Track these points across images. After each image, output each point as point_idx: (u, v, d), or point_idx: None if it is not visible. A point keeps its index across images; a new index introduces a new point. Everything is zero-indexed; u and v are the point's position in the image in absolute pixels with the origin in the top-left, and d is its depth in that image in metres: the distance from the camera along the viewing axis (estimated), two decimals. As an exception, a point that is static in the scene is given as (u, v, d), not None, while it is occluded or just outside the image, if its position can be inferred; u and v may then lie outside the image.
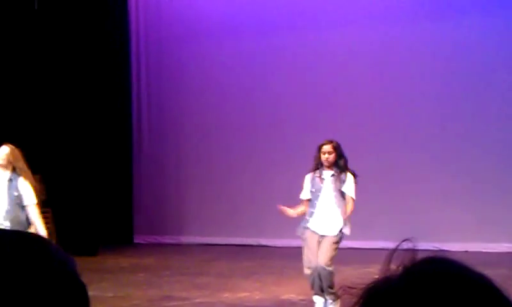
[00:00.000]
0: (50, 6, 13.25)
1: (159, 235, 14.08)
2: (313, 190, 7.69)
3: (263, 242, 13.19)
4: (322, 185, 7.66)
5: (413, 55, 12.78)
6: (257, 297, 8.85)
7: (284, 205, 8.05)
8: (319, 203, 7.66)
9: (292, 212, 7.92)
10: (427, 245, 10.86)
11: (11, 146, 7.56)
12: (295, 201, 13.33)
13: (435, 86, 12.66)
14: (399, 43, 12.84)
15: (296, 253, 11.95)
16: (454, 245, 11.56)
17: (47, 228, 11.94)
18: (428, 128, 12.69)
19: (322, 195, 7.65)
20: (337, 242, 7.52)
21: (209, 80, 14.00)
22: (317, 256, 7.44)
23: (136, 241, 14.32)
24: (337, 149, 7.62)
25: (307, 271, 7.57)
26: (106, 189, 13.82)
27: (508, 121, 12.30)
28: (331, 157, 7.57)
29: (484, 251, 11.60)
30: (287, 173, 13.23)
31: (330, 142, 7.67)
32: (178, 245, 13.66)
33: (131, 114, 14.58)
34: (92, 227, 13.10)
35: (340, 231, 7.52)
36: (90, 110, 13.52)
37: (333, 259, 7.46)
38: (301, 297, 8.59)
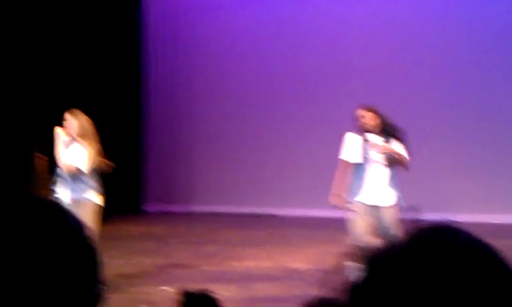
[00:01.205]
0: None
1: (168, 203, 14.15)
2: (366, 156, 7.08)
3: (272, 211, 13.22)
4: (368, 150, 7.08)
5: (418, 40, 12.71)
6: (265, 266, 8.89)
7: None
8: (366, 172, 7.09)
9: (342, 200, 7.17)
10: (436, 215, 10.88)
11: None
12: (305, 173, 13.38)
13: (443, 54, 12.60)
14: (404, 29, 12.78)
15: (305, 223, 12.02)
16: (463, 216, 11.54)
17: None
18: (436, 98, 12.64)
19: (370, 162, 7.10)
20: (397, 213, 6.99)
21: (221, 57, 14.00)
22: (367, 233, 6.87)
23: (145, 209, 14.40)
24: (372, 110, 7.12)
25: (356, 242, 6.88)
26: (115, 157, 13.83)
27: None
28: (369, 119, 7.03)
29: (493, 221, 11.60)
30: (297, 144, 13.27)
31: (363, 107, 7.17)
32: (187, 214, 13.72)
33: (142, 82, 14.59)
34: (103, 195, 13.15)
35: (397, 199, 7.09)
36: (101, 78, 13.58)
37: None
38: (309, 266, 8.63)
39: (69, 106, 12.94)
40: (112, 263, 8.68)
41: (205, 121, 14.14)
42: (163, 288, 7.63)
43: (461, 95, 12.55)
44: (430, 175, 12.28)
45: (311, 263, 8.78)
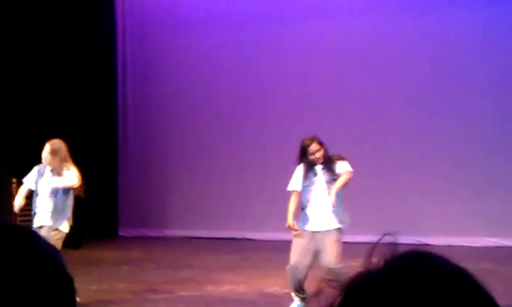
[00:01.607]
0: (37, 2, 13.28)
1: (144, 228, 14.07)
2: (306, 184, 7.34)
3: (247, 235, 13.20)
4: (314, 179, 7.29)
5: (404, 48, 12.80)
6: (242, 290, 8.86)
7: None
8: (312, 198, 7.32)
9: (291, 220, 7.41)
10: (410, 239, 10.93)
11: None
12: (279, 196, 13.35)
13: (420, 80, 12.70)
14: (393, 35, 12.85)
15: (280, 246, 11.97)
16: (436, 240, 11.63)
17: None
18: (410, 123, 12.72)
19: (315, 189, 7.30)
20: (339, 238, 7.24)
21: (195, 76, 13.99)
22: (300, 256, 7.22)
23: (120, 234, 14.30)
24: (321, 143, 7.33)
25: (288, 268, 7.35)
26: (91, 182, 13.77)
27: (490, 114, 12.33)
28: (321, 153, 7.24)
29: (466, 245, 11.67)
30: (271, 168, 13.27)
31: (313, 139, 7.32)
32: (163, 238, 13.65)
33: (116, 109, 14.55)
34: (76, 220, 13.04)
35: (340, 223, 7.24)
36: (76, 105, 13.52)
37: (340, 256, 7.15)
38: (285, 290, 8.60)
39: (43, 131, 12.90)
40: (87, 289, 8.59)
41: (180, 147, 14.11)
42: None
43: (433, 121, 12.61)
44: (404, 199, 12.33)
45: (287, 286, 8.75)
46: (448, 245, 11.37)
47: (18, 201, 8.02)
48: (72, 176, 7.88)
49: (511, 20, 12.36)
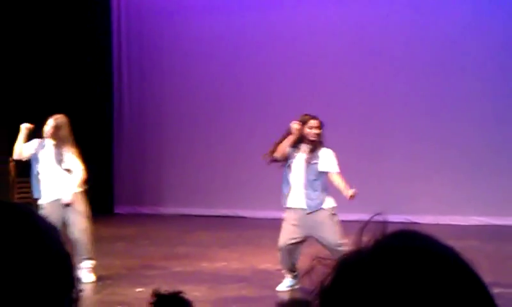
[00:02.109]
0: (38, 2, 13.35)
1: (139, 206, 14.07)
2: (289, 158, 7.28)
3: (240, 213, 13.23)
4: (295, 154, 7.27)
5: (398, 37, 12.79)
6: (234, 267, 8.89)
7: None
8: (292, 175, 7.29)
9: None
10: (400, 217, 10.96)
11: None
12: (270, 176, 13.36)
13: (409, 62, 12.71)
14: (387, 24, 12.79)
15: (272, 224, 12.01)
16: (425, 218, 11.68)
17: (29, 199, 12.05)
18: (400, 103, 12.73)
19: (294, 165, 7.28)
20: (334, 214, 7.18)
21: (190, 58, 13.95)
22: (288, 235, 7.19)
23: (116, 211, 14.31)
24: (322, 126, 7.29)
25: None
26: (87, 160, 13.76)
27: (476, 95, 12.33)
28: (318, 131, 7.19)
29: (454, 223, 11.73)
30: (263, 148, 13.26)
31: (317, 118, 7.25)
32: (158, 216, 13.66)
33: (112, 88, 14.51)
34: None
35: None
36: (74, 86, 13.52)
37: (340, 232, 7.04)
38: (277, 267, 8.64)
39: (40, 109, 12.91)
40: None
41: (175, 125, 14.09)
42: (138, 289, 7.60)
43: (421, 103, 12.63)
44: (394, 179, 12.37)
45: (278, 263, 8.79)
46: (437, 224, 11.44)
47: (19, 146, 7.97)
48: (77, 172, 7.97)
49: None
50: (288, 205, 7.36)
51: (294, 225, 7.23)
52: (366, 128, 12.73)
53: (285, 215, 7.41)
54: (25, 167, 12.98)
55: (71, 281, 1.03)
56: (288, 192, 7.35)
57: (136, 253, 9.79)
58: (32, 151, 8.01)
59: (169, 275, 8.32)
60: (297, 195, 7.28)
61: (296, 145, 7.26)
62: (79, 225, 7.97)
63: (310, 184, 7.21)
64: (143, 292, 7.22)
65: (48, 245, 1.02)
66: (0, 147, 12.26)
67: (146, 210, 13.92)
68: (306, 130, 7.21)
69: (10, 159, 12.54)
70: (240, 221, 12.79)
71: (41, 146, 8.02)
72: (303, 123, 7.23)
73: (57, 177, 7.92)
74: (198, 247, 10.30)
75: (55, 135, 7.89)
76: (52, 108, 13.15)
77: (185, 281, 7.60)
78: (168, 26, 14.09)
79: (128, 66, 14.54)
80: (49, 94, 13.30)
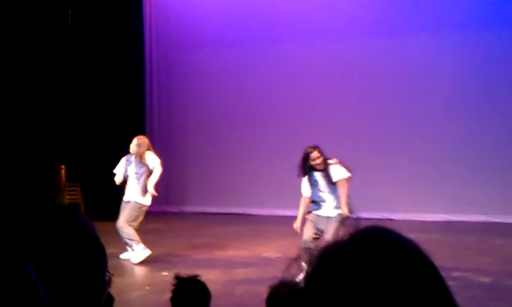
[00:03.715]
0: (80, 21, 13.22)
1: (166, 205, 14.07)
2: (311, 188, 7.24)
3: (249, 211, 13.21)
4: (315, 183, 7.21)
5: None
6: (244, 255, 8.88)
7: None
8: (317, 197, 7.22)
9: (298, 224, 7.25)
10: (376, 214, 10.93)
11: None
12: (274, 181, 13.31)
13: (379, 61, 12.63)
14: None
15: (275, 220, 12.02)
16: (398, 215, 11.63)
17: (77, 200, 12.16)
18: (373, 106, 12.44)
19: (318, 190, 7.21)
20: (340, 221, 6.99)
21: (212, 75, 13.87)
22: (308, 233, 7.04)
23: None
24: (321, 152, 7.17)
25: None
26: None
27: (443, 99, 12.08)
28: (321, 160, 7.11)
29: (422, 219, 11.67)
30: (269, 158, 13.29)
31: (314, 148, 7.17)
32: (181, 213, 13.66)
33: (144, 102, 14.47)
34: (111, 198, 13.05)
35: (339, 214, 7.06)
36: (110, 106, 13.51)
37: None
38: (277, 255, 8.64)
39: (86, 127, 12.90)
40: (120, 253, 8.62)
41: (195, 139, 14.11)
42: (164, 273, 7.59)
43: (396, 106, 12.43)
44: (371, 180, 12.28)
45: (280, 252, 8.79)
46: (408, 220, 11.38)
47: (119, 177, 8.76)
48: (157, 167, 8.63)
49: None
50: (313, 211, 7.27)
51: (313, 225, 7.14)
52: (344, 132, 12.49)
53: (309, 217, 7.27)
54: (74, 173, 13.05)
55: (103, 266, 1.04)
56: (313, 206, 7.26)
57: (162, 244, 9.78)
58: (123, 170, 8.73)
59: (190, 262, 8.31)
60: (319, 208, 7.26)
61: (311, 175, 7.21)
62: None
63: (330, 198, 7.19)
64: (167, 276, 7.21)
65: (87, 237, 1.04)
66: (52, 154, 12.25)
67: (171, 208, 13.91)
68: (312, 163, 7.14)
69: (61, 167, 12.57)
70: (248, 218, 12.77)
71: (129, 163, 8.72)
72: (306, 158, 7.17)
73: (135, 183, 8.63)
74: (213, 238, 10.29)
75: (138, 150, 8.61)
76: (93, 122, 13.21)
77: (203, 266, 7.60)
78: (194, 51, 14.05)
79: (158, 87, 14.55)
80: (91, 110, 13.28)
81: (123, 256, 8.49)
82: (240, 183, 13.51)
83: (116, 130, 13.47)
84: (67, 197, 12.79)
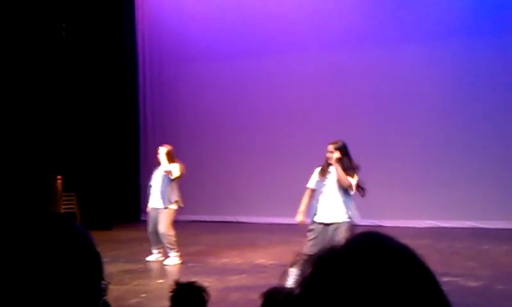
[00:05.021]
0: (75, 35, 13.20)
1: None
2: (320, 180, 6.77)
3: (241, 219, 13.19)
4: (328, 176, 6.75)
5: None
6: (237, 262, 8.86)
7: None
8: (322, 195, 6.73)
9: (301, 217, 6.80)
10: (365, 221, 10.91)
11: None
12: (267, 189, 13.32)
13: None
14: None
15: (267, 228, 12.02)
16: (388, 222, 11.64)
17: (73, 209, 12.10)
18: (362, 116, 12.49)
19: (326, 187, 6.75)
20: (348, 229, 6.52)
21: (201, 87, 13.93)
22: (311, 247, 6.54)
23: (142, 218, 14.22)
24: (338, 148, 6.76)
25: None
26: (118, 178, 13.77)
27: (428, 110, 12.13)
28: (332, 154, 6.69)
29: (411, 226, 11.69)
30: (261, 166, 13.28)
31: (332, 143, 6.81)
32: (175, 222, 13.56)
33: (138, 117, 14.50)
34: (108, 207, 13.04)
35: (348, 217, 6.66)
36: (105, 116, 13.49)
37: None
38: (270, 262, 8.62)
39: (81, 138, 12.84)
40: (116, 261, 8.58)
41: (189, 150, 14.06)
42: (159, 281, 7.55)
43: (384, 117, 12.44)
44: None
45: (272, 259, 8.77)
46: (397, 227, 11.38)
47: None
48: (175, 168, 9.07)
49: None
50: (314, 219, 6.84)
51: (316, 235, 6.73)
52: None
53: (312, 228, 6.82)
54: (70, 183, 13.00)
55: (99, 273, 1.03)
56: (317, 207, 6.80)
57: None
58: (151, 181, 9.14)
59: (184, 269, 8.28)
60: (323, 209, 6.82)
61: (327, 167, 6.84)
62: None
63: (337, 198, 6.87)
64: (162, 283, 7.19)
65: (83, 245, 1.03)
66: (48, 165, 12.20)
67: (166, 217, 13.85)
68: (327, 155, 6.81)
69: (57, 177, 12.53)
70: (241, 226, 12.75)
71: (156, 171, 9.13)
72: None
73: (158, 191, 9.01)
74: (207, 246, 10.26)
75: (166, 159, 9.01)
76: (89, 134, 13.16)
77: (197, 273, 7.57)
78: (187, 63, 14.05)
79: (152, 99, 14.55)
80: (87, 122, 13.25)
81: (148, 258, 8.84)
82: (232, 191, 13.50)
83: (110, 141, 13.47)
84: (63, 206, 12.73)
